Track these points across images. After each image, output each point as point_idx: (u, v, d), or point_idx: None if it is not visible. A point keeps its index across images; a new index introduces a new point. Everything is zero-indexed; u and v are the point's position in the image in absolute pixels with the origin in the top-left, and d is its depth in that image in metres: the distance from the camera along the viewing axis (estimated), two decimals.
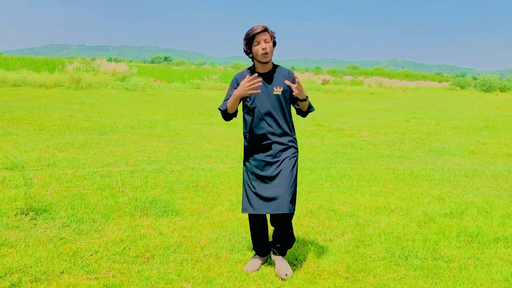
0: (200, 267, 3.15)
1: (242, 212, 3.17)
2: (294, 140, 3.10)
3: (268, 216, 3.51)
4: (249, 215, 3.17)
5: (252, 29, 2.88)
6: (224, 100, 3.02)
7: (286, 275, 3.03)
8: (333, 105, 18.40)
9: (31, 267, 2.97)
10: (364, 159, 7.32)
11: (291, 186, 2.97)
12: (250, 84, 2.76)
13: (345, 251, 3.54)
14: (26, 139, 7.20)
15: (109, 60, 27.20)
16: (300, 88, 2.85)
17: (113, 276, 2.94)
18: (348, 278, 3.11)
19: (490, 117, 16.13)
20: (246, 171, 3.09)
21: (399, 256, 3.50)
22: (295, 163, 3.04)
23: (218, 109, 3.02)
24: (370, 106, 19.21)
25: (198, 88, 23.78)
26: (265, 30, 2.88)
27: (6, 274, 2.86)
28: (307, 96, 2.98)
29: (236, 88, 2.95)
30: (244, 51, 2.99)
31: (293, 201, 3.00)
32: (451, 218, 4.46)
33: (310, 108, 3.12)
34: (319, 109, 15.45)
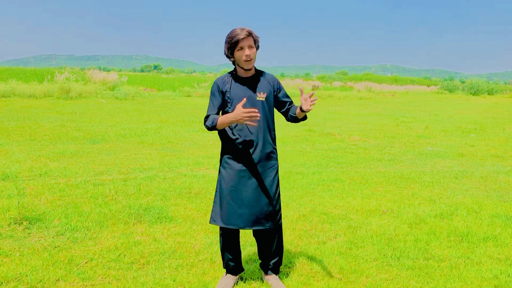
0: (195, 272, 3.18)
1: (211, 223, 2.90)
2: (275, 151, 2.92)
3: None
4: (222, 228, 2.91)
5: (235, 34, 2.64)
6: (209, 114, 2.76)
7: None
8: (324, 111, 18.51)
9: (27, 275, 2.97)
10: (355, 163, 7.40)
11: (274, 199, 2.86)
12: (248, 116, 2.53)
13: (338, 253, 3.59)
14: (18, 150, 7.17)
15: (99, 69, 27.19)
16: (312, 104, 2.65)
17: (108, 283, 2.96)
18: (342, 279, 3.16)
19: (479, 120, 16.36)
20: (222, 180, 2.84)
21: (391, 256, 3.56)
22: (276, 175, 2.90)
23: (205, 125, 2.74)
24: (360, 111, 19.37)
25: (189, 96, 23.79)
26: (250, 35, 2.67)
27: (2, 283, 2.87)
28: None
29: (220, 95, 2.79)
30: (225, 55, 2.76)
31: (276, 215, 2.90)
32: (442, 219, 4.54)
33: (305, 117, 2.90)
34: (310, 115, 15.52)
